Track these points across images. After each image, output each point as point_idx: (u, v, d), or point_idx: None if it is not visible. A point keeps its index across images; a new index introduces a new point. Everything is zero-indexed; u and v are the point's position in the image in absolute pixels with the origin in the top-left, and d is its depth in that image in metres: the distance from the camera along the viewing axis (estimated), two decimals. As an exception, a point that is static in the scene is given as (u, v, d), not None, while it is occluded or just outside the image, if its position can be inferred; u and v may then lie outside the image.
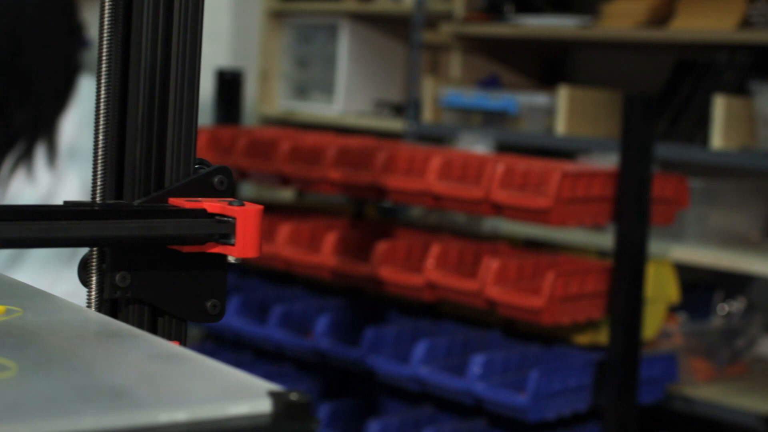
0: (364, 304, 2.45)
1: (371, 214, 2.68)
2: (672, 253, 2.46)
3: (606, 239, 2.50)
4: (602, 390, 2.11)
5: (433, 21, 3.08)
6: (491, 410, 2.08)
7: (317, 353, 2.28)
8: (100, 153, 0.89)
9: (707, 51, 2.67)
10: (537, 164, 2.12)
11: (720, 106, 2.45)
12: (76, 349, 0.72)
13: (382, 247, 2.22)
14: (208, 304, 0.92)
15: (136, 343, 0.76)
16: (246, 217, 0.87)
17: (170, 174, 0.90)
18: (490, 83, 2.92)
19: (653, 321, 2.27)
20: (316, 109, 3.45)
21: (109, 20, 0.89)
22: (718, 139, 2.46)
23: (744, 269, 2.43)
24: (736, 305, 2.64)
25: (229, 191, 0.92)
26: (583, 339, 2.21)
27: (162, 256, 0.88)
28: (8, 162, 2.20)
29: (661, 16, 2.66)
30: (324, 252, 2.29)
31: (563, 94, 2.69)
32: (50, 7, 2.37)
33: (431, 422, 2.20)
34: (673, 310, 2.49)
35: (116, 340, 0.76)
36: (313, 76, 3.52)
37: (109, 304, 0.89)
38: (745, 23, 2.52)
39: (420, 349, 2.13)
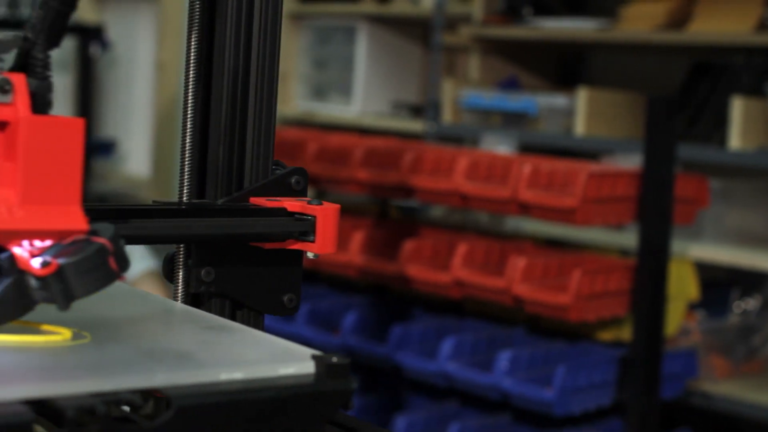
0: (390, 301, 2.50)
1: (393, 214, 2.73)
2: (690, 251, 2.51)
3: (625, 238, 2.55)
4: (626, 385, 2.16)
5: (451, 23, 3.13)
6: (517, 405, 2.13)
7: (345, 350, 2.32)
8: (187, 155, 0.94)
9: (724, 53, 2.72)
10: (562, 165, 2.17)
11: (738, 107, 2.50)
12: (138, 323, 0.80)
13: (409, 245, 2.27)
14: (285, 298, 0.96)
15: (190, 317, 0.84)
16: (325, 215, 0.92)
17: (250, 175, 0.95)
18: (509, 85, 2.96)
19: (674, 318, 2.32)
20: (334, 110, 3.49)
21: (195, 32, 0.94)
22: (736, 140, 2.51)
23: (760, 267, 2.48)
24: (753, 303, 2.69)
25: (305, 191, 0.97)
26: (606, 335, 2.26)
27: (244, 253, 0.93)
28: None
29: (679, 19, 2.71)
30: (351, 250, 2.33)
31: (582, 96, 2.74)
32: None
33: (457, 417, 2.25)
34: (690, 307, 2.53)
35: (173, 316, 0.84)
36: (331, 78, 3.57)
37: (192, 297, 0.94)
38: (762, 26, 2.57)
39: (447, 346, 2.18)
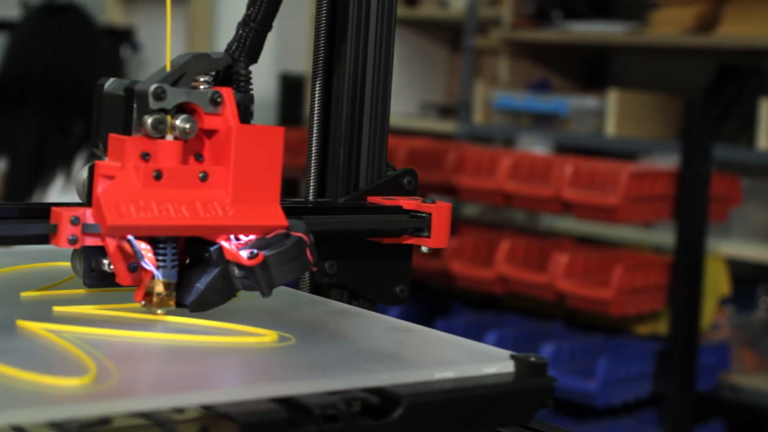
0: (429, 297, 2.58)
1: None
2: (721, 248, 2.59)
3: (655, 235, 2.64)
4: (663, 378, 2.24)
5: (481, 26, 3.21)
6: (559, 397, 2.21)
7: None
8: (313, 158, 1.02)
9: (751, 56, 2.80)
10: (602, 165, 2.25)
11: (766, 108, 2.58)
12: (327, 324, 0.84)
13: (451, 243, 2.34)
14: (397, 289, 1.04)
15: (366, 318, 0.88)
16: (440, 212, 0.99)
17: (366, 176, 1.03)
18: (541, 87, 3.04)
19: (706, 313, 2.40)
20: (363, 111, 3.57)
21: (321, 45, 1.01)
22: (764, 140, 2.59)
23: (787, 264, 2.56)
24: (779, 299, 2.78)
25: (416, 190, 1.05)
26: (643, 329, 2.34)
27: (361, 247, 1.01)
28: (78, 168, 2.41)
29: (708, 22, 2.79)
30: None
31: (612, 97, 2.82)
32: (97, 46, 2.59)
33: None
34: (720, 303, 2.62)
35: (350, 317, 0.88)
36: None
37: (314, 287, 1.02)
38: (789, 30, 2.65)
39: (489, 340, 2.26)
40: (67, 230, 0.72)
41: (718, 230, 2.64)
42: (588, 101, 2.90)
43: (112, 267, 0.75)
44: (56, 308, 0.75)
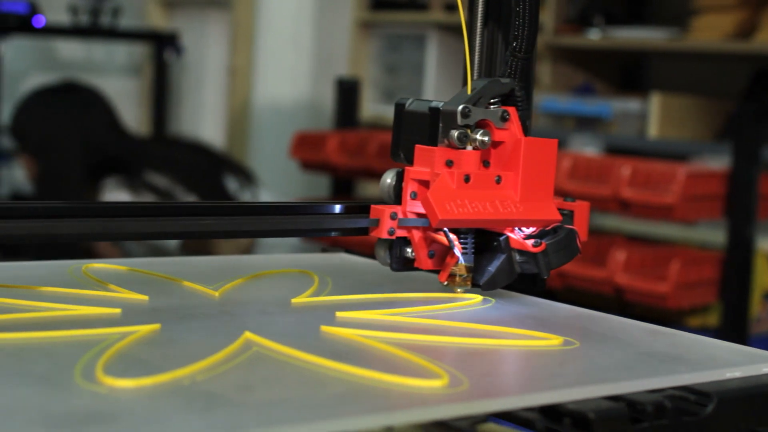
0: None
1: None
2: (762, 244, 2.71)
3: (697, 233, 2.76)
4: (714, 367, 2.36)
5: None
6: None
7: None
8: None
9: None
10: (658, 165, 2.37)
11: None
12: (590, 328, 0.89)
13: (510, 239, 2.47)
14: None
15: (617, 322, 0.93)
16: (581, 209, 1.11)
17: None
18: (585, 90, 3.16)
19: (753, 306, 2.52)
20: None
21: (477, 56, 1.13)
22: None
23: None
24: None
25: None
26: (694, 322, 2.46)
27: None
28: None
29: (747, 29, 2.91)
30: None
31: (655, 101, 2.94)
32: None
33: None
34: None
35: (602, 321, 0.93)
36: (401, 83, 3.76)
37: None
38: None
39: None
40: (387, 224, 0.89)
41: (764, 227, 2.76)
42: (631, 104, 3.02)
43: (413, 254, 0.91)
44: (339, 314, 0.85)
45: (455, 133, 0.89)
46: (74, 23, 3.84)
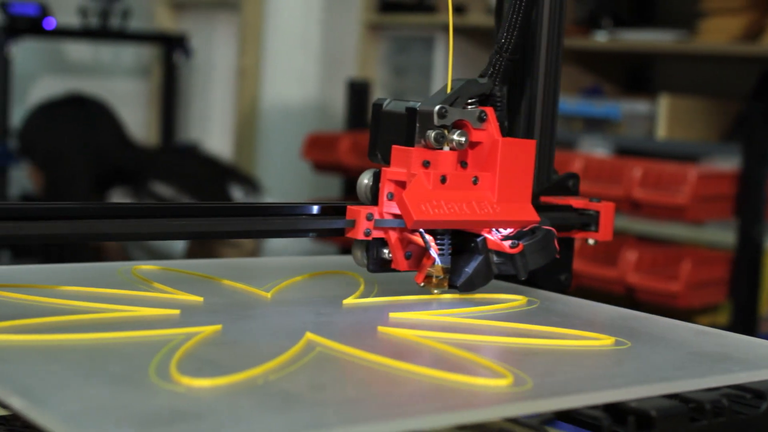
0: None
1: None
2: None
3: (705, 233, 2.79)
4: (725, 366, 2.39)
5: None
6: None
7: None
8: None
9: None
10: (669, 166, 2.40)
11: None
12: (638, 329, 0.90)
13: (523, 240, 2.49)
14: (562, 277, 1.19)
15: (664, 322, 0.94)
16: (606, 210, 1.14)
17: (537, 179, 1.18)
18: (594, 92, 3.19)
19: (761, 305, 2.55)
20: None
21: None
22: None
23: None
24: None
25: (578, 191, 1.20)
26: (704, 321, 2.49)
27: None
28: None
29: (755, 31, 2.94)
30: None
31: (664, 102, 2.96)
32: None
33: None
34: None
35: (648, 321, 0.95)
36: (410, 84, 3.79)
37: (498, 276, 1.16)
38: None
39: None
40: (363, 225, 0.88)
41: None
42: (639, 106, 3.05)
43: (390, 255, 0.90)
44: (392, 314, 0.87)
45: (432, 134, 0.89)
46: (84, 25, 3.86)
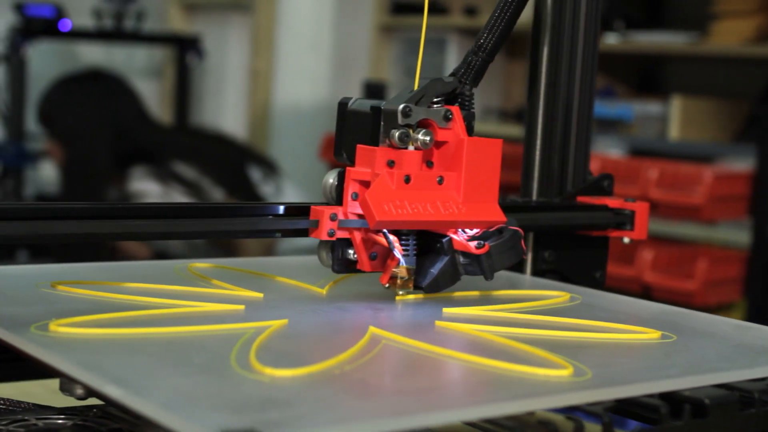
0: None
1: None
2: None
3: (718, 232, 2.83)
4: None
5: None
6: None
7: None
8: (536, 167, 1.20)
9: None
10: (684, 167, 2.45)
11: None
12: (679, 323, 0.93)
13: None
14: (597, 274, 1.23)
15: (703, 318, 0.96)
16: (641, 210, 1.18)
17: (572, 179, 1.22)
18: (606, 93, 3.23)
19: (774, 304, 2.60)
20: (425, 115, 3.75)
21: (536, 77, 1.20)
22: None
23: None
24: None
25: (612, 191, 1.24)
26: (718, 319, 2.53)
27: (571, 238, 1.20)
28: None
29: (766, 33, 2.98)
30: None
31: (676, 103, 3.01)
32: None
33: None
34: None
35: (689, 317, 0.97)
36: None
37: (533, 273, 1.21)
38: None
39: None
40: (326, 225, 0.89)
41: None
42: (651, 107, 3.09)
43: (355, 256, 0.91)
44: (446, 309, 0.90)
45: (396, 133, 0.88)
46: (98, 27, 3.90)
